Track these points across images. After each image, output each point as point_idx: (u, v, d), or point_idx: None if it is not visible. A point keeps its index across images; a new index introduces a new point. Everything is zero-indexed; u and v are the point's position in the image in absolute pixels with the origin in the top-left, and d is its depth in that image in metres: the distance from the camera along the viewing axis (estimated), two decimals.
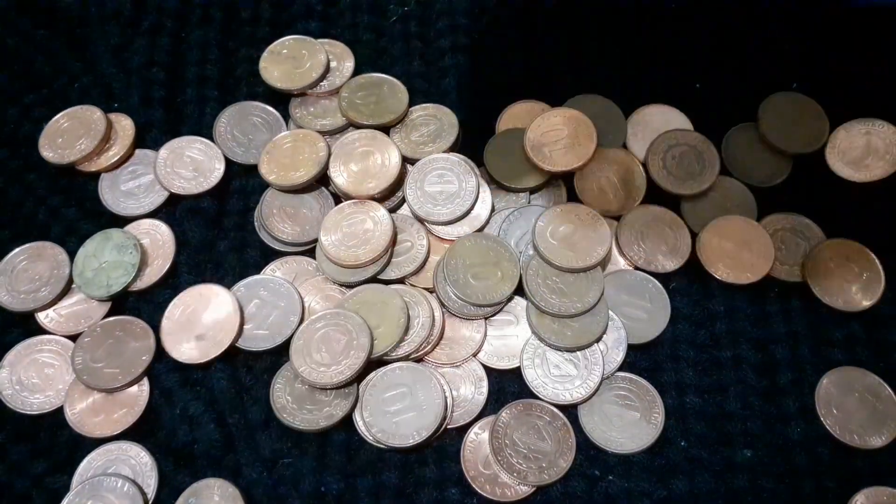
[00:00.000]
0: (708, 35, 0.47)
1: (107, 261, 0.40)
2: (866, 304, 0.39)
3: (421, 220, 0.41)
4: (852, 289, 0.40)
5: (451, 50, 0.47)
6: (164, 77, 0.46)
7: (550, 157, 0.41)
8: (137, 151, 0.44)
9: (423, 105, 0.45)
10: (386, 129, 0.44)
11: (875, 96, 0.44)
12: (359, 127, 0.43)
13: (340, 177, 0.42)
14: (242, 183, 0.44)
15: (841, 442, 0.37)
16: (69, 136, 0.43)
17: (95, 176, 0.43)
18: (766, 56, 0.46)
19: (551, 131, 0.42)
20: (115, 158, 0.43)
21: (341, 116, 0.44)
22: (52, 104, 0.45)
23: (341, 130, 0.44)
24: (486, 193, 0.42)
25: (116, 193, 0.43)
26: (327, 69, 0.45)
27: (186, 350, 0.38)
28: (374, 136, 0.43)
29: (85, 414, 0.38)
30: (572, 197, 0.42)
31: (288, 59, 0.45)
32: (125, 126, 0.44)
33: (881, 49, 0.45)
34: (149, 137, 0.44)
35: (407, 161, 0.43)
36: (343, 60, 0.46)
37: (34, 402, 0.38)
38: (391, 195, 0.42)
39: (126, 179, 0.43)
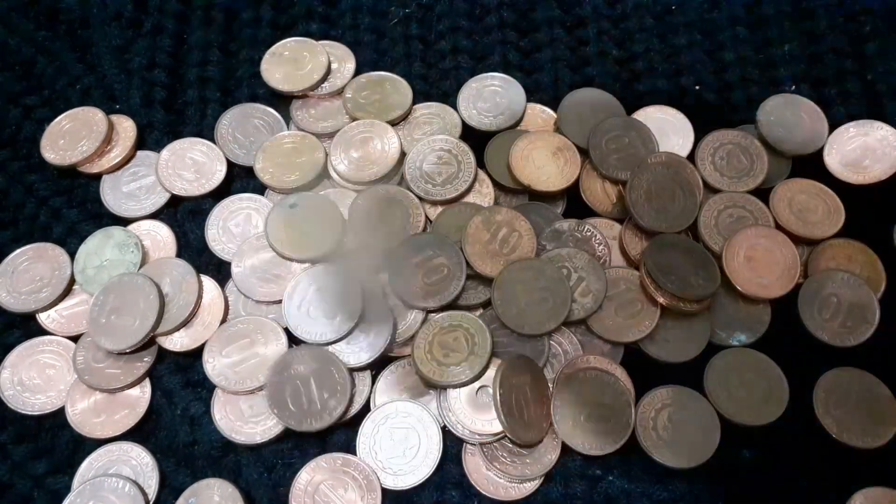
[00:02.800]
0: (707, 35, 0.47)
1: (108, 259, 0.40)
2: None
3: (420, 199, 0.42)
4: None
5: (452, 52, 0.47)
6: (166, 78, 0.46)
7: None
8: (139, 153, 0.44)
9: (427, 104, 0.45)
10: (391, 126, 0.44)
11: (874, 97, 0.44)
12: None
13: (342, 164, 0.42)
14: (244, 184, 0.44)
15: (839, 442, 0.37)
16: (71, 137, 0.43)
17: (97, 177, 0.43)
18: (766, 56, 0.46)
19: None
20: (117, 160, 0.43)
21: (344, 117, 0.44)
22: (54, 105, 0.46)
23: None
24: (488, 191, 0.42)
25: (118, 195, 0.43)
26: (328, 71, 0.45)
27: (178, 339, 0.38)
28: (372, 123, 0.43)
29: (86, 414, 0.38)
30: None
31: (289, 61, 0.45)
32: (126, 127, 0.44)
33: (881, 49, 0.45)
34: (150, 139, 0.44)
35: None
36: (344, 62, 0.46)
37: (35, 403, 0.38)
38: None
39: (127, 181, 0.43)
